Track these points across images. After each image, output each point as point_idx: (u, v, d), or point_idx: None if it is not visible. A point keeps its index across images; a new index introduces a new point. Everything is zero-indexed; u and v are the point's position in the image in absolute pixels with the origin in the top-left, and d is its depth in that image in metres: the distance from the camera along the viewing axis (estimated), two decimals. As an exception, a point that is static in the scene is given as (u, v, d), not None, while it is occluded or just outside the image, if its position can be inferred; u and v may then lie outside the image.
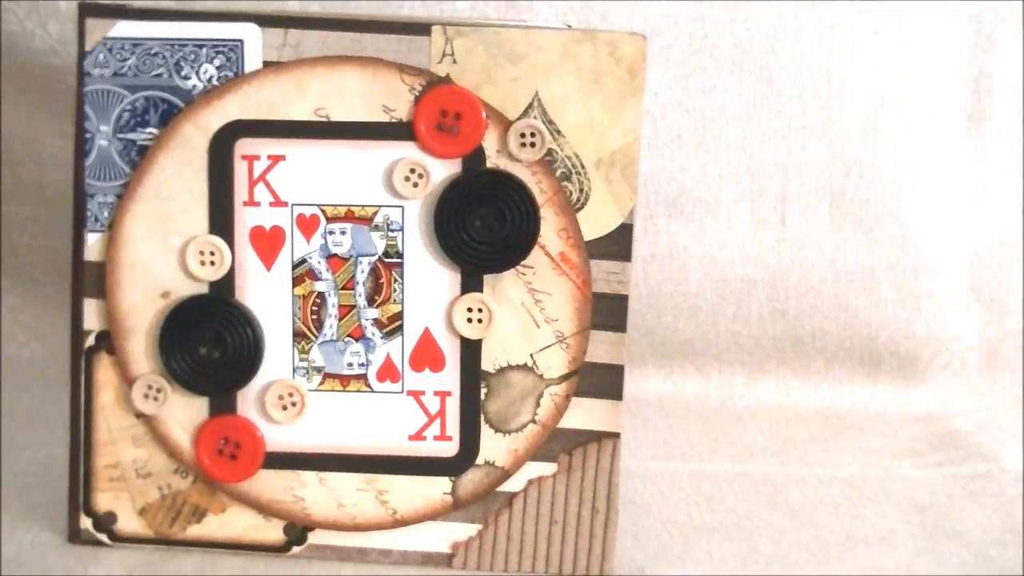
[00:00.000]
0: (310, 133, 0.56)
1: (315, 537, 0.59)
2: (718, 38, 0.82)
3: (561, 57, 0.55)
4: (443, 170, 0.56)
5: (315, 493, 0.58)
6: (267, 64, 0.55)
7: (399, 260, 0.57)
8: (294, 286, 0.57)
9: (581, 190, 0.56)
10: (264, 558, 0.59)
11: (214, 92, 0.56)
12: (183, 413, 0.58)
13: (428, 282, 0.57)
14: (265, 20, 0.55)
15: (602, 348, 0.57)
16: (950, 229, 0.86)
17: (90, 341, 0.58)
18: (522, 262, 0.56)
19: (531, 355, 0.57)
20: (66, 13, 0.79)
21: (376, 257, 0.57)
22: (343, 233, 0.57)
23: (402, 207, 0.56)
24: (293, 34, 0.55)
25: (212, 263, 0.56)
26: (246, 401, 0.58)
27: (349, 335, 0.57)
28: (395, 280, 0.57)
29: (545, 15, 0.81)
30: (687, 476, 0.71)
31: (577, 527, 0.58)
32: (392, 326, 0.57)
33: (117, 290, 0.57)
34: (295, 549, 0.59)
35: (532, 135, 0.55)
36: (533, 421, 0.57)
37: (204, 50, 0.56)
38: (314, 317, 0.57)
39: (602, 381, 0.57)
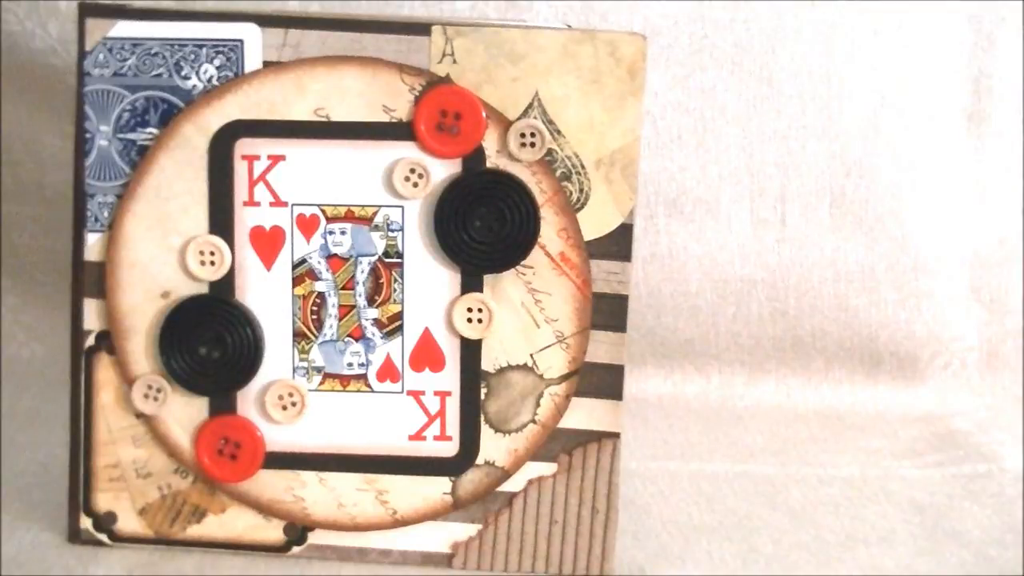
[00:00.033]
0: (310, 133, 0.56)
1: (315, 537, 0.59)
2: (718, 38, 0.82)
3: (561, 57, 0.55)
4: (443, 170, 0.56)
5: (315, 493, 0.58)
6: (267, 64, 0.55)
7: (399, 260, 0.57)
8: (294, 286, 0.57)
9: (581, 190, 0.56)
10: (264, 558, 0.59)
11: (214, 92, 0.56)
12: (183, 413, 0.58)
13: (428, 282, 0.57)
14: (265, 20, 0.55)
15: (602, 348, 0.57)
16: (950, 229, 0.86)
17: (90, 341, 0.58)
18: (522, 262, 0.56)
19: (531, 355, 0.57)
20: (66, 13, 0.79)
21: (376, 257, 0.57)
22: (343, 233, 0.57)
23: (402, 207, 0.56)
24: (293, 34, 0.55)
25: (212, 263, 0.56)
26: (246, 401, 0.58)
27: (349, 335, 0.57)
28: (395, 280, 0.57)
29: (545, 15, 0.81)
30: (687, 476, 0.71)
31: (577, 527, 0.58)
32: (392, 326, 0.57)
33: (117, 290, 0.57)
34: (295, 549, 0.59)
35: (532, 135, 0.55)
36: (533, 421, 0.57)
37: (204, 50, 0.56)
38: (314, 317, 0.57)
39: (602, 381, 0.57)
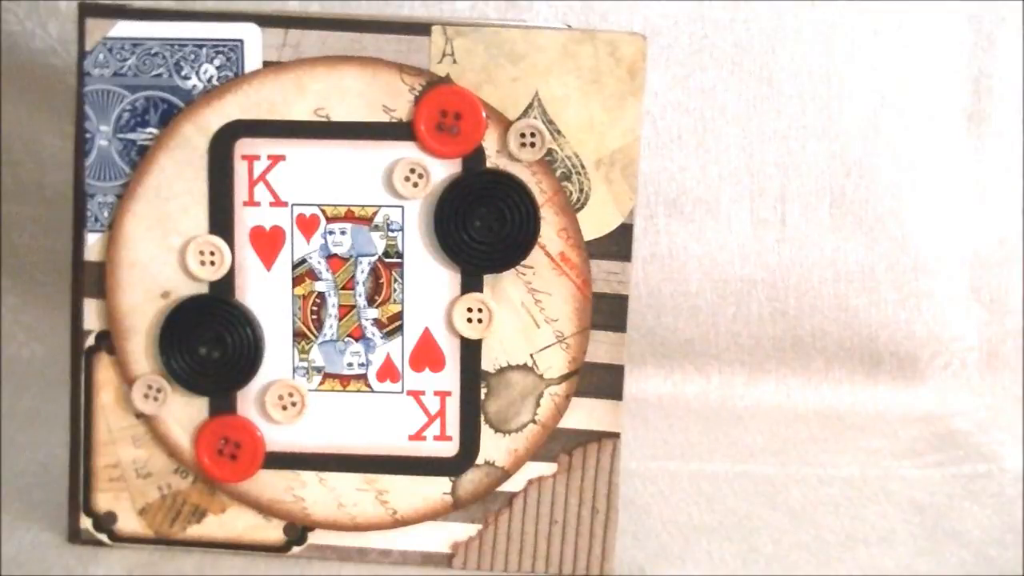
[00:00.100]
0: (310, 133, 0.56)
1: (315, 537, 0.59)
2: (718, 38, 0.82)
3: (561, 57, 0.55)
4: (443, 170, 0.56)
5: (315, 493, 0.58)
6: (267, 64, 0.55)
7: (399, 260, 0.57)
8: (294, 286, 0.57)
9: (581, 190, 0.56)
10: (264, 558, 0.59)
11: (214, 92, 0.56)
12: (183, 413, 0.58)
13: (428, 282, 0.57)
14: (265, 20, 0.55)
15: (602, 348, 0.57)
16: (950, 229, 0.86)
17: (90, 341, 0.58)
18: (522, 262, 0.56)
19: (531, 355, 0.57)
20: (66, 13, 0.79)
21: (376, 257, 0.57)
22: (343, 233, 0.57)
23: (402, 207, 0.56)
24: (293, 34, 0.55)
25: (212, 263, 0.56)
26: (246, 401, 0.58)
27: (349, 335, 0.57)
28: (395, 280, 0.57)
29: (545, 15, 0.81)
30: (687, 476, 0.71)
31: (577, 527, 0.58)
32: (392, 326, 0.57)
33: (117, 290, 0.57)
34: (295, 549, 0.59)
35: (532, 135, 0.55)
36: (533, 421, 0.57)
37: (204, 50, 0.56)
38: (314, 317, 0.57)
39: (602, 381, 0.57)
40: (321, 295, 0.57)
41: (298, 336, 0.57)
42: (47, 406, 0.76)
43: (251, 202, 0.56)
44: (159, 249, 0.57)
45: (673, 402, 0.83)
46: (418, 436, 0.58)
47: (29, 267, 0.87)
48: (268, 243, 0.57)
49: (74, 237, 0.57)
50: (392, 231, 0.56)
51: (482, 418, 0.57)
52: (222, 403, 0.58)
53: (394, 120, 0.55)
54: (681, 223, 0.84)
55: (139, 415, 0.58)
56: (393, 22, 0.56)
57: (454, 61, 0.55)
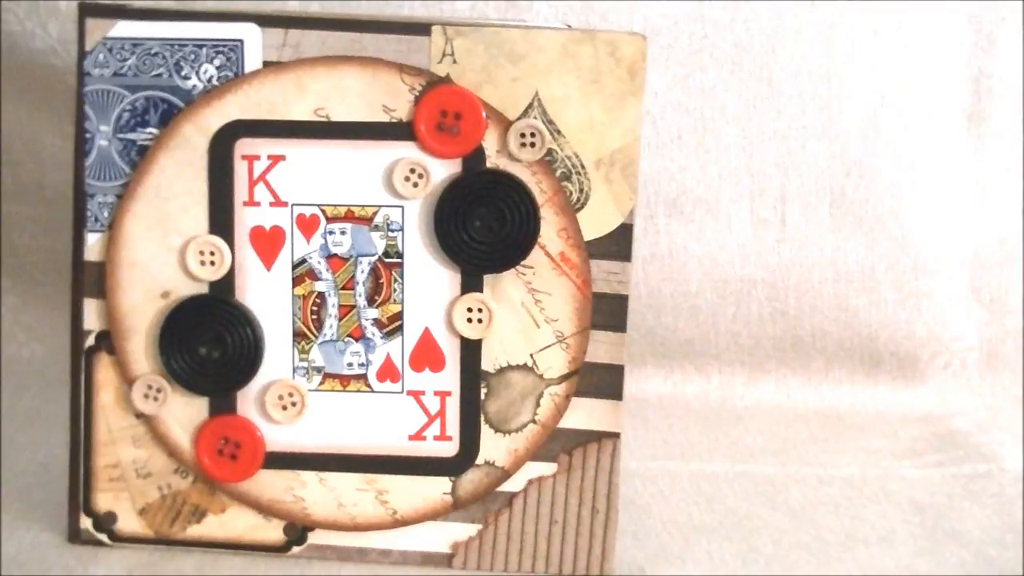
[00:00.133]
0: (310, 133, 0.56)
1: (315, 537, 0.59)
2: (718, 38, 0.82)
3: (561, 57, 0.55)
4: (443, 170, 0.56)
5: (315, 493, 0.58)
6: (267, 64, 0.55)
7: (399, 260, 0.57)
8: (294, 286, 0.57)
9: (581, 190, 0.56)
10: (264, 558, 0.59)
11: (214, 92, 0.56)
12: (183, 413, 0.58)
13: (428, 282, 0.57)
14: (265, 20, 0.55)
15: (602, 348, 0.57)
16: (950, 229, 0.86)
17: (90, 341, 0.58)
18: (522, 262, 0.56)
19: (531, 355, 0.57)
20: (66, 13, 0.79)
21: (376, 257, 0.57)
22: (343, 233, 0.57)
23: (402, 207, 0.56)
24: (293, 34, 0.55)
25: (212, 263, 0.56)
26: (246, 401, 0.58)
27: (349, 335, 0.57)
28: (395, 280, 0.57)
29: (545, 15, 0.81)
30: (687, 476, 0.71)
31: (577, 527, 0.58)
32: (392, 326, 0.57)
33: (117, 290, 0.57)
34: (295, 549, 0.59)
35: (532, 135, 0.55)
36: (533, 421, 0.57)
37: (204, 50, 0.56)
38: (314, 317, 0.57)
39: (602, 381, 0.57)
40: (321, 295, 0.57)
41: (298, 336, 0.57)
42: (47, 406, 0.76)
43: (251, 202, 0.56)
44: (159, 249, 0.57)
45: (673, 402, 0.83)
46: (418, 436, 0.58)
47: (29, 267, 0.87)
48: (268, 243, 0.57)
49: (74, 237, 0.57)
50: (392, 231, 0.56)
51: (482, 418, 0.57)
52: (222, 403, 0.58)
53: (394, 120, 0.55)
54: (681, 223, 0.84)
55: (139, 415, 0.58)
56: (393, 22, 0.56)
57: (454, 61, 0.55)
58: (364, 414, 0.58)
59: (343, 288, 0.57)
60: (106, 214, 0.57)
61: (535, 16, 0.81)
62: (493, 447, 0.57)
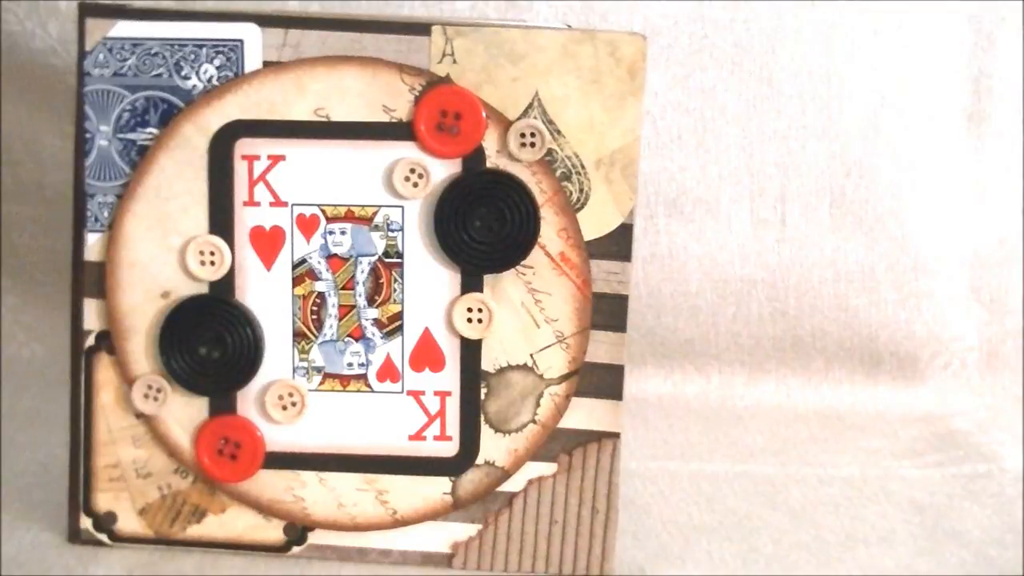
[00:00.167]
0: (310, 133, 0.56)
1: (315, 537, 0.59)
2: (718, 38, 0.82)
3: (561, 57, 0.55)
4: (443, 170, 0.56)
5: (315, 493, 0.58)
6: (267, 64, 0.55)
7: (399, 260, 0.57)
8: (294, 286, 0.57)
9: (581, 190, 0.56)
10: (264, 558, 0.59)
11: (214, 92, 0.56)
12: (183, 413, 0.58)
13: (428, 282, 0.57)
14: (265, 20, 0.55)
15: (602, 348, 0.57)
16: (950, 229, 0.86)
17: (90, 341, 0.58)
18: (522, 262, 0.56)
19: (531, 355, 0.57)
20: (66, 13, 0.79)
21: (376, 257, 0.57)
22: (343, 233, 0.57)
23: (402, 207, 0.56)
24: (293, 34, 0.55)
25: (212, 263, 0.56)
26: (246, 401, 0.58)
27: (349, 335, 0.57)
28: (395, 280, 0.57)
29: (545, 15, 0.81)
30: (687, 476, 0.71)
31: (577, 527, 0.58)
32: (392, 326, 0.57)
33: (117, 290, 0.57)
34: (295, 549, 0.59)
35: (532, 135, 0.55)
36: (533, 421, 0.57)
37: (204, 50, 0.56)
38: (314, 317, 0.57)
39: (602, 381, 0.57)
40: (321, 295, 0.57)
41: (298, 336, 0.57)
42: (47, 406, 0.76)
43: (251, 202, 0.56)
44: (159, 249, 0.57)
45: (673, 402, 0.83)
46: (418, 436, 0.58)
47: (29, 267, 0.87)
48: (268, 243, 0.57)
49: (74, 237, 0.57)
50: (392, 231, 0.56)
51: (482, 418, 0.57)
52: (222, 403, 0.58)
53: (394, 120, 0.55)
54: (681, 223, 0.84)
55: (139, 415, 0.58)
56: (393, 22, 0.56)
57: (454, 61, 0.55)
58: (364, 414, 0.58)
59: (343, 288, 0.57)
60: (106, 214, 0.57)
61: (535, 16, 0.81)
62: (493, 447, 0.57)
